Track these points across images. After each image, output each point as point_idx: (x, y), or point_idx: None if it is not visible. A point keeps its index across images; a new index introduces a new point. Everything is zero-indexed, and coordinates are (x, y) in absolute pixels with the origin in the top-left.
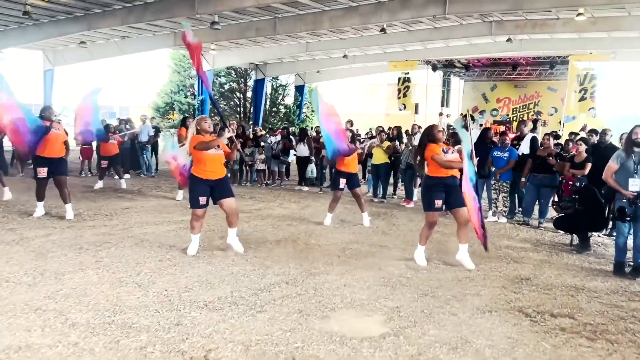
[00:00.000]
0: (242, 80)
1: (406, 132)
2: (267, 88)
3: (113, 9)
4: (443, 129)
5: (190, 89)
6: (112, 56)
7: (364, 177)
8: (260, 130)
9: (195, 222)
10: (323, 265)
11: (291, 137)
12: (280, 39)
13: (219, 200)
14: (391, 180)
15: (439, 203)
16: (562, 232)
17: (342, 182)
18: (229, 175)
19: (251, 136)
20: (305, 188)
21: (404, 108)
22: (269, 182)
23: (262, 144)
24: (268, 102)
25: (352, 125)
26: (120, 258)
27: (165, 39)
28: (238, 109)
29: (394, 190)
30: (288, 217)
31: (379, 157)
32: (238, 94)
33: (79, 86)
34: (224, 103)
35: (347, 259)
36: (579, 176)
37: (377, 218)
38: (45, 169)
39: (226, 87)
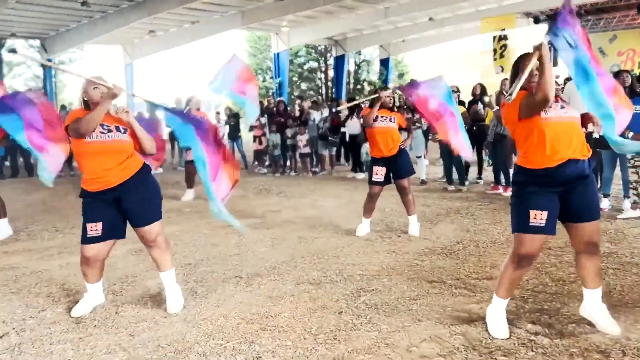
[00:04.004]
0: (323, 58)
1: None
2: (349, 65)
3: None
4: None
5: (268, 72)
6: (185, 43)
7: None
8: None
9: (85, 267)
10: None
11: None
12: (354, 6)
13: (134, 226)
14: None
15: (539, 218)
16: None
17: (379, 172)
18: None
19: (297, 113)
20: (361, 175)
21: (502, 70)
22: (316, 169)
23: (309, 122)
24: (351, 80)
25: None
26: None
27: (233, 20)
28: (320, 90)
29: (479, 173)
30: (314, 223)
31: None
32: (319, 74)
33: (158, 78)
34: (305, 84)
35: (359, 322)
36: None
37: (444, 218)
38: None
39: (306, 67)
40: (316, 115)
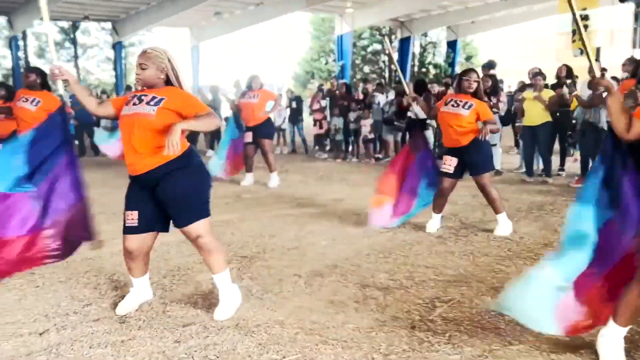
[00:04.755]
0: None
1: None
2: (415, 47)
3: None
4: None
5: (331, 54)
6: (249, 25)
7: (516, 144)
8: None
9: (128, 259)
10: None
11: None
12: None
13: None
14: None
15: None
16: None
17: (448, 162)
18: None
19: (360, 96)
20: None
21: (581, 53)
22: (379, 155)
23: (374, 106)
24: (416, 63)
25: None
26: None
27: (297, 1)
28: (383, 73)
29: (561, 163)
30: None
31: (536, 113)
32: (383, 57)
33: (223, 60)
34: (368, 67)
35: (437, 340)
36: None
37: (526, 215)
38: None
39: (369, 49)
40: (381, 99)
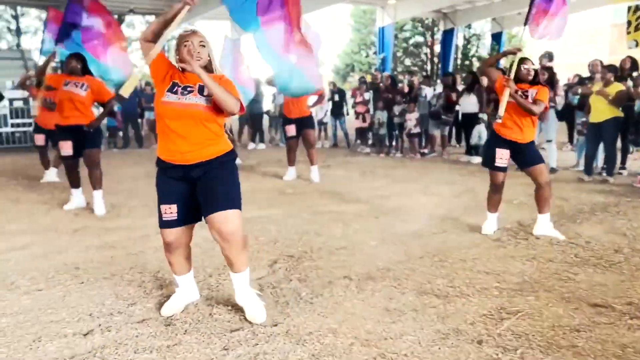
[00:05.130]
0: (430, 32)
1: None
2: (458, 39)
3: None
4: None
5: (372, 47)
6: None
7: (570, 140)
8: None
9: (168, 254)
10: None
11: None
12: None
13: (205, 214)
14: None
15: None
16: None
17: (503, 155)
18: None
19: (406, 89)
20: (477, 159)
21: (636, 45)
22: (425, 151)
23: (420, 99)
24: (459, 56)
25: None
26: None
27: None
28: (424, 65)
29: (622, 161)
30: (428, 213)
31: (601, 109)
32: (425, 49)
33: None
34: (409, 60)
35: (508, 358)
36: None
37: (589, 217)
38: None
39: (411, 42)
40: (428, 92)
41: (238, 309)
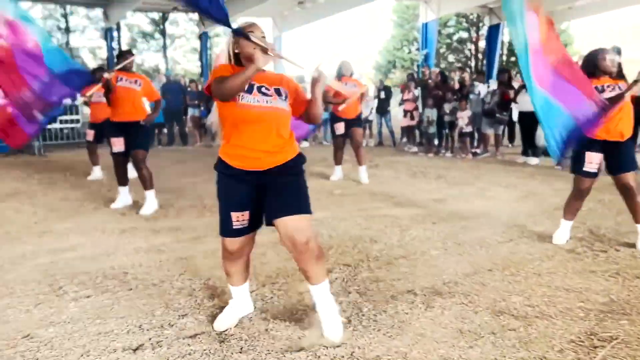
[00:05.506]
0: (474, 28)
1: None
2: (504, 35)
3: None
4: None
5: (414, 43)
6: (333, 14)
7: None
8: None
9: (229, 263)
10: None
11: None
12: None
13: (274, 217)
14: None
15: None
16: None
17: (595, 160)
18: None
19: (456, 85)
20: (534, 160)
21: None
22: (477, 150)
23: (471, 96)
24: (504, 52)
25: None
26: None
27: None
28: (469, 62)
29: None
30: (489, 220)
31: None
32: (469, 45)
33: (306, 51)
34: (453, 56)
35: None
36: None
37: None
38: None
39: (455, 37)
40: (482, 89)
41: (295, 325)
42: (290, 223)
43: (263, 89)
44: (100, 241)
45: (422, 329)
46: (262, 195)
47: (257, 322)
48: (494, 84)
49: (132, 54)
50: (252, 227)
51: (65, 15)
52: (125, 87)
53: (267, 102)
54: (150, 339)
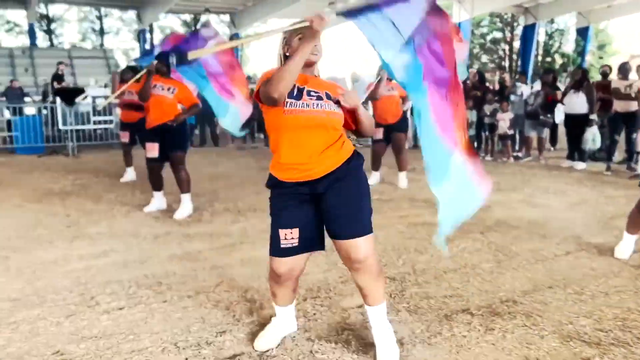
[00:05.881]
0: (509, 28)
1: None
2: (539, 35)
3: None
4: None
5: None
6: None
7: None
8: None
9: (276, 285)
10: None
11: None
12: None
13: (333, 237)
14: None
15: None
16: None
17: None
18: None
19: (496, 86)
20: (581, 165)
21: None
22: (519, 154)
23: (512, 97)
24: (540, 52)
25: None
26: None
27: None
28: (502, 62)
29: None
30: (541, 229)
31: None
32: (503, 45)
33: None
34: (486, 56)
35: None
36: None
37: None
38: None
39: (488, 37)
40: (525, 90)
41: (343, 347)
42: (346, 245)
43: (312, 92)
44: (133, 247)
45: (483, 355)
46: (319, 209)
47: (300, 342)
48: (537, 85)
49: (162, 61)
50: (303, 248)
51: (100, 18)
52: (159, 95)
53: (318, 105)
54: (187, 358)
